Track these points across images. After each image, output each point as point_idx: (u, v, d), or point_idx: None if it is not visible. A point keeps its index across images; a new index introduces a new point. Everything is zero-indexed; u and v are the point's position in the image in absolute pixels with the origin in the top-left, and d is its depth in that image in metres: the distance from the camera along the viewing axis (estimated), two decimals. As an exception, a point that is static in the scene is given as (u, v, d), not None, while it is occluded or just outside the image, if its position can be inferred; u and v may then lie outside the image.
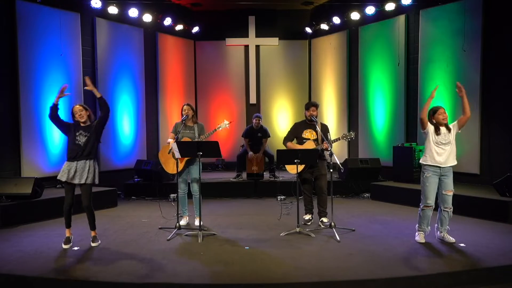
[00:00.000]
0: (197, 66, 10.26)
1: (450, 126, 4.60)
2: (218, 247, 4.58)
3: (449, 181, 4.54)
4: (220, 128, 5.55)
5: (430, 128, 4.60)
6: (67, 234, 4.65)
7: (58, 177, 4.56)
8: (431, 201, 4.53)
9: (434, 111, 4.61)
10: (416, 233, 4.68)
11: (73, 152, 4.55)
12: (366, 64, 8.82)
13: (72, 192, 4.59)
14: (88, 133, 4.59)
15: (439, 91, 7.40)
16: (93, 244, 4.62)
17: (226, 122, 5.58)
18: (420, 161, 4.69)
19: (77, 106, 4.67)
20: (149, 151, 9.01)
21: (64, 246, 4.56)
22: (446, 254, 4.23)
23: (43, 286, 3.72)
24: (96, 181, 4.64)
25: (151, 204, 7.11)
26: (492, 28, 6.75)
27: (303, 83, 10.31)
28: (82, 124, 4.63)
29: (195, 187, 5.46)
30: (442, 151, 4.52)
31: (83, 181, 4.52)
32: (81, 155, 4.54)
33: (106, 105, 4.71)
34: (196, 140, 5.37)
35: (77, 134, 4.57)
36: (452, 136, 4.57)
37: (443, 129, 4.57)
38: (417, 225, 4.69)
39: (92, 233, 4.71)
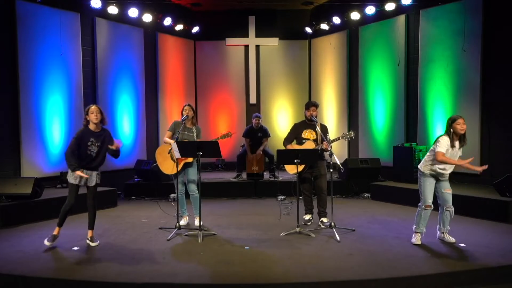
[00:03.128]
0: (197, 66, 10.26)
1: (464, 142, 4.52)
2: (218, 247, 4.58)
3: (445, 182, 4.57)
4: (222, 138, 5.40)
5: (448, 144, 4.47)
6: (55, 232, 4.60)
7: (71, 181, 4.53)
8: (431, 200, 4.53)
9: (453, 120, 4.47)
10: (413, 235, 4.64)
11: (83, 161, 4.54)
12: (366, 64, 8.82)
13: (76, 193, 4.60)
14: (100, 143, 4.57)
15: (439, 91, 7.44)
16: (92, 244, 4.62)
17: (230, 133, 5.42)
18: (420, 167, 4.63)
19: (95, 106, 4.61)
20: (149, 151, 9.01)
21: (46, 243, 4.51)
22: (446, 254, 4.23)
23: (43, 286, 3.72)
24: (99, 181, 4.71)
25: (151, 204, 7.10)
26: (492, 28, 6.75)
27: (303, 83, 10.31)
28: (93, 130, 4.57)
29: (192, 187, 5.45)
30: (447, 167, 4.49)
31: (92, 184, 4.61)
32: (90, 166, 4.57)
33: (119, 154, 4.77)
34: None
35: (89, 143, 4.52)
36: (458, 154, 4.53)
37: (456, 143, 4.49)
38: (414, 226, 4.65)
39: (90, 233, 4.70)
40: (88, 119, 4.58)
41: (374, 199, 7.34)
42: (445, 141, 4.44)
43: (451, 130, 4.45)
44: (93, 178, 4.62)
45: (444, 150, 4.41)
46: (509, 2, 6.54)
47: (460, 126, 4.42)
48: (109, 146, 4.63)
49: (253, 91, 10.27)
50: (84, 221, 4.83)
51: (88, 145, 4.53)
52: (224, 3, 9.61)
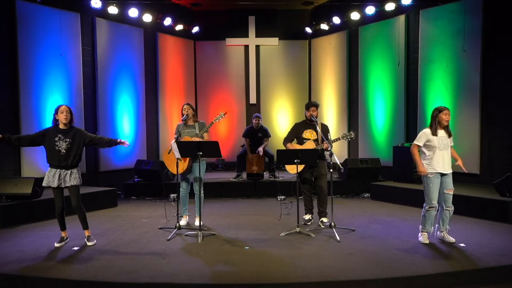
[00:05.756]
0: (197, 66, 10.26)
1: (451, 133, 4.59)
2: (218, 247, 4.58)
3: (449, 180, 4.54)
4: (217, 120, 5.42)
5: (427, 135, 4.56)
6: (63, 235, 4.69)
7: (44, 184, 4.53)
8: (436, 201, 4.53)
9: (439, 110, 4.56)
10: (420, 234, 4.67)
11: (54, 160, 4.47)
12: (366, 64, 8.82)
13: (62, 195, 4.58)
14: (70, 140, 4.50)
15: (439, 91, 7.44)
16: (89, 244, 4.62)
17: (222, 113, 5.47)
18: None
19: (65, 106, 4.57)
20: (149, 151, 9.01)
21: (56, 244, 4.57)
22: (446, 254, 4.23)
23: (43, 286, 3.72)
24: (80, 182, 4.62)
25: (151, 204, 7.10)
26: (492, 28, 6.75)
27: (303, 83, 10.31)
28: (61, 127, 4.53)
29: (198, 186, 5.44)
30: (441, 157, 4.49)
31: (68, 184, 4.52)
32: (64, 165, 4.49)
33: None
34: (197, 136, 5.32)
35: (56, 139, 4.47)
36: (450, 143, 4.57)
37: (441, 132, 4.55)
38: (420, 226, 4.68)
39: (86, 233, 4.70)
40: (57, 118, 4.53)
41: (374, 199, 7.34)
42: (421, 134, 4.60)
43: (437, 120, 4.55)
44: (68, 177, 4.51)
45: (420, 143, 4.58)
46: (509, 2, 6.54)
47: (446, 117, 4.52)
48: (118, 141, 4.72)
49: (253, 91, 10.28)
50: (80, 221, 4.84)
51: (56, 141, 4.47)
52: (224, 3, 9.61)
